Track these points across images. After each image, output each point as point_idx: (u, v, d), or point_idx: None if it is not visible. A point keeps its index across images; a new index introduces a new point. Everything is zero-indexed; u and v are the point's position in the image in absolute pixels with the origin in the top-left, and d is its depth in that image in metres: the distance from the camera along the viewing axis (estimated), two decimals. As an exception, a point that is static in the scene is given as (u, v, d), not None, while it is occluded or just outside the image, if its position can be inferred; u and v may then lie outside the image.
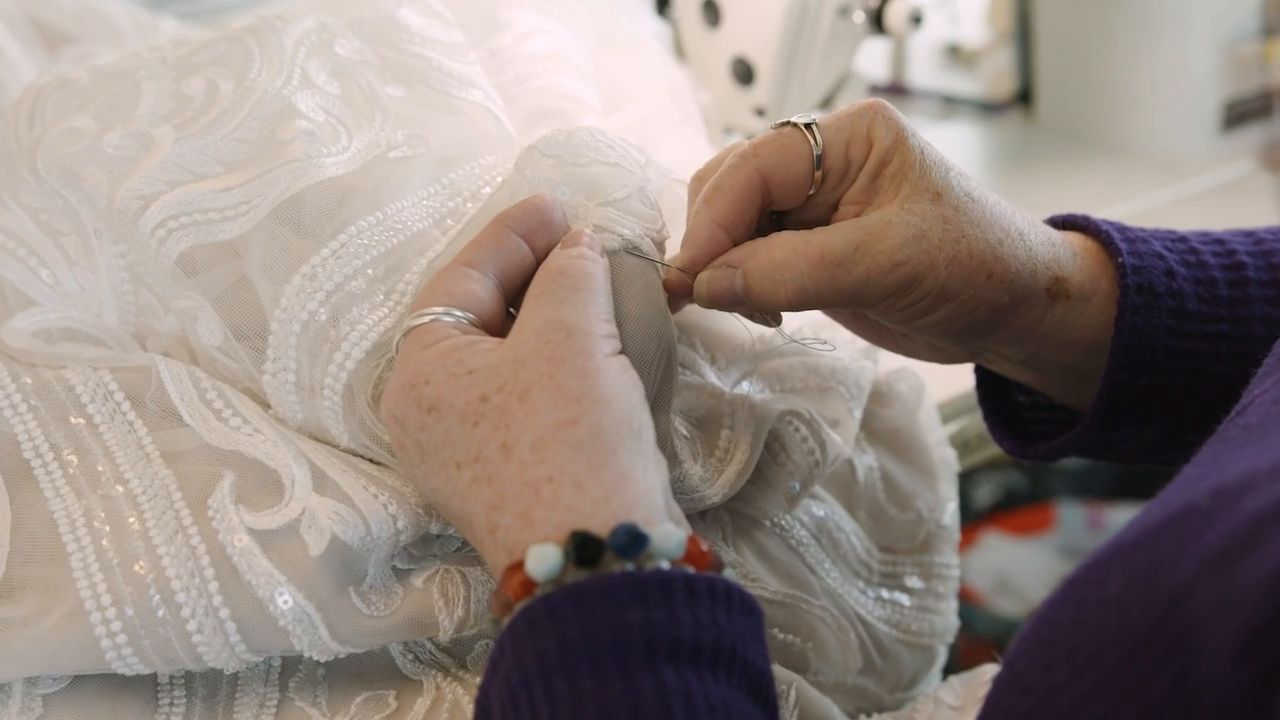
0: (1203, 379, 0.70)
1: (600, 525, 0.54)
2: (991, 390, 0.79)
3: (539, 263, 0.65)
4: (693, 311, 0.77)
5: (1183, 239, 0.72)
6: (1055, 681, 0.47)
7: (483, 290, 0.64)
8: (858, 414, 0.80)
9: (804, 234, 0.66)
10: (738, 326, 0.80)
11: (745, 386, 0.78)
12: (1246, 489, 0.46)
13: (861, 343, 0.81)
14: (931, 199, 0.65)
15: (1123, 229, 0.71)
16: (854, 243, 0.65)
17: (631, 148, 0.71)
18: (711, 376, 0.76)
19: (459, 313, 0.63)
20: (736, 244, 0.67)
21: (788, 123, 0.67)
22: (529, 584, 0.54)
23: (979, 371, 0.78)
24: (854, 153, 0.67)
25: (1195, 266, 0.70)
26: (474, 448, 0.58)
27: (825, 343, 0.76)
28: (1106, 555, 0.49)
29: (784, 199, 0.68)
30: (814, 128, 0.67)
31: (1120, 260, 0.69)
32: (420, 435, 0.60)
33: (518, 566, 0.54)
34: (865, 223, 0.66)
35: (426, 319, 0.62)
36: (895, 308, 0.66)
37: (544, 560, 0.53)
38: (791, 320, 0.79)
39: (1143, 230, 0.72)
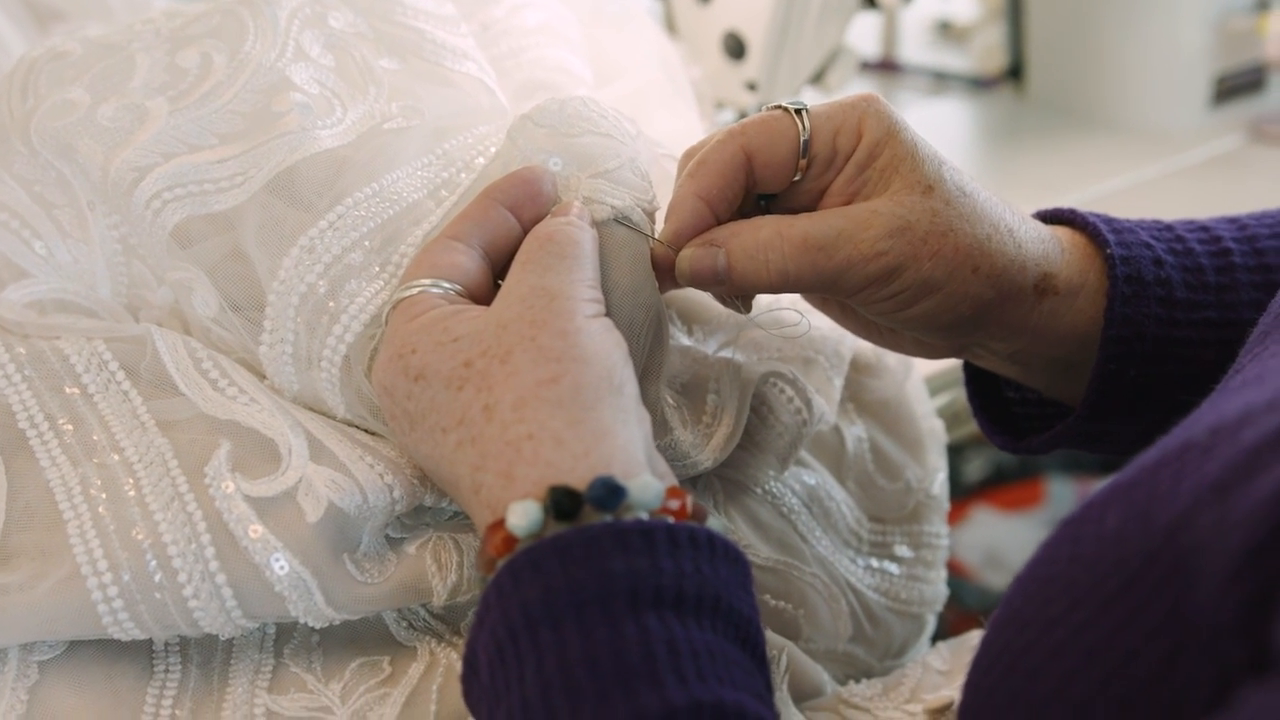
0: (1193, 366, 0.70)
1: (579, 479, 0.55)
2: (980, 387, 0.79)
3: (526, 234, 0.66)
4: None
5: (1168, 228, 0.72)
6: (1052, 615, 0.47)
7: (469, 262, 0.65)
8: (838, 383, 0.80)
9: (789, 217, 0.66)
10: (713, 300, 0.80)
11: (727, 354, 0.78)
12: (1244, 423, 0.46)
13: None
14: (922, 192, 0.66)
15: (1109, 220, 0.71)
16: (837, 229, 0.65)
17: (623, 118, 0.71)
18: (689, 343, 0.76)
19: (446, 284, 0.63)
20: (720, 221, 0.67)
21: (779, 106, 0.68)
22: (510, 540, 0.55)
23: (967, 369, 0.79)
24: (841, 142, 0.67)
25: (1182, 254, 0.71)
26: (458, 411, 0.59)
27: (801, 315, 0.76)
28: (1103, 495, 0.50)
29: (768, 180, 0.68)
30: (804, 114, 0.67)
31: (1109, 251, 0.69)
32: (408, 404, 0.61)
33: (499, 524, 0.55)
34: (851, 211, 0.66)
35: (414, 291, 0.63)
36: (876, 298, 0.67)
37: (523, 516, 0.54)
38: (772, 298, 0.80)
39: (1129, 220, 0.72)
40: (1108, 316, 0.69)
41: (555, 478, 0.55)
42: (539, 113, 0.70)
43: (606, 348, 0.59)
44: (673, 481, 0.60)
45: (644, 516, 0.55)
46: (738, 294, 0.69)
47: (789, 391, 0.75)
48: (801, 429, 0.75)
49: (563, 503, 0.54)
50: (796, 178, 0.68)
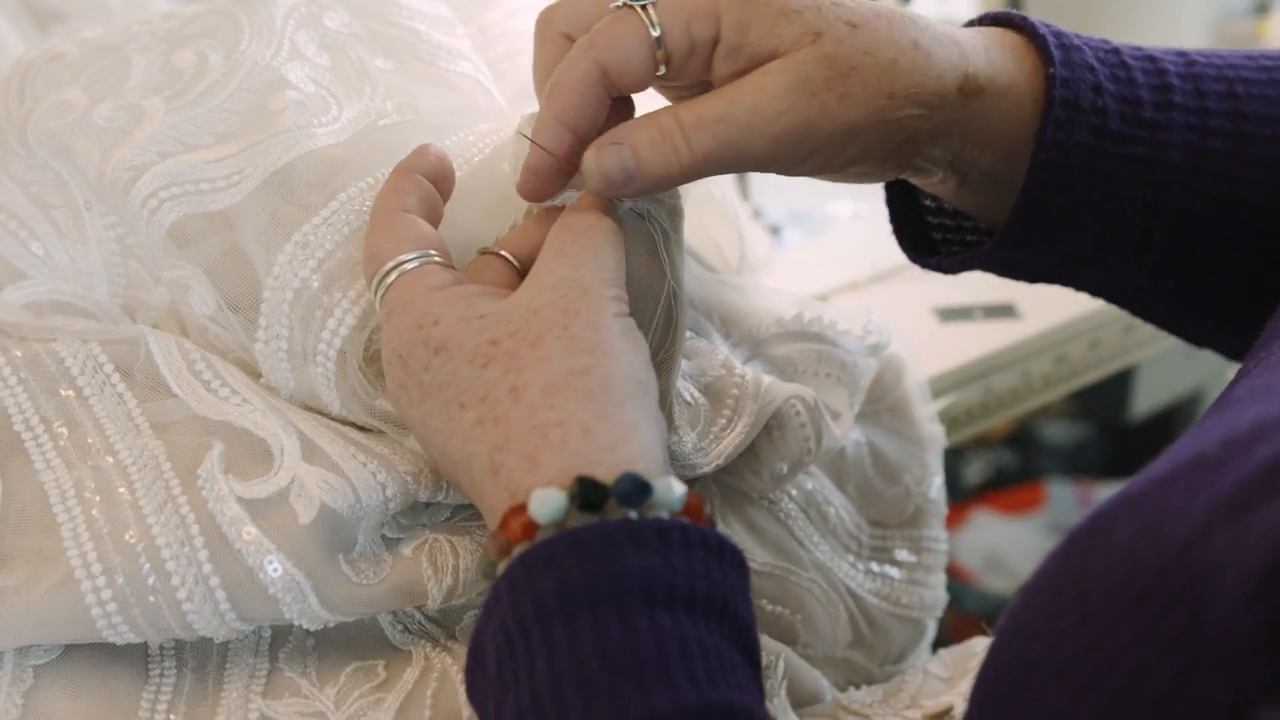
0: (1115, 203, 0.68)
1: (605, 472, 0.55)
2: (900, 209, 0.77)
3: (444, 203, 0.67)
4: (709, 286, 0.77)
5: (1115, 50, 0.70)
6: (1062, 628, 0.47)
7: (431, 231, 0.65)
8: (854, 410, 0.80)
9: (685, 102, 0.64)
10: (753, 306, 0.80)
11: (757, 365, 0.78)
12: (1259, 437, 0.46)
13: (870, 338, 0.81)
14: (811, 41, 0.62)
15: (1060, 35, 0.69)
16: (731, 98, 0.62)
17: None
18: (724, 350, 0.76)
19: (435, 254, 0.63)
20: (584, 142, 0.64)
21: (626, 4, 0.63)
22: (531, 526, 0.54)
23: (888, 189, 0.76)
24: (697, 30, 0.63)
25: (1124, 84, 0.69)
26: (481, 388, 0.58)
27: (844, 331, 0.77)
28: (1114, 506, 0.49)
29: (629, 85, 0.65)
30: (650, 8, 0.63)
31: (1051, 71, 0.67)
32: (424, 375, 0.60)
33: (520, 509, 0.55)
34: (743, 81, 0.63)
35: (415, 262, 0.63)
36: (801, 158, 0.64)
37: (547, 503, 0.54)
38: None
39: (1078, 38, 0.70)
40: (1039, 139, 0.66)
41: (581, 468, 0.55)
42: None
43: (633, 348, 0.60)
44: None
45: (664, 516, 0.55)
46: (652, 194, 0.67)
47: (803, 416, 0.73)
48: (804, 456, 0.74)
49: (589, 494, 0.54)
50: (661, 71, 0.65)
